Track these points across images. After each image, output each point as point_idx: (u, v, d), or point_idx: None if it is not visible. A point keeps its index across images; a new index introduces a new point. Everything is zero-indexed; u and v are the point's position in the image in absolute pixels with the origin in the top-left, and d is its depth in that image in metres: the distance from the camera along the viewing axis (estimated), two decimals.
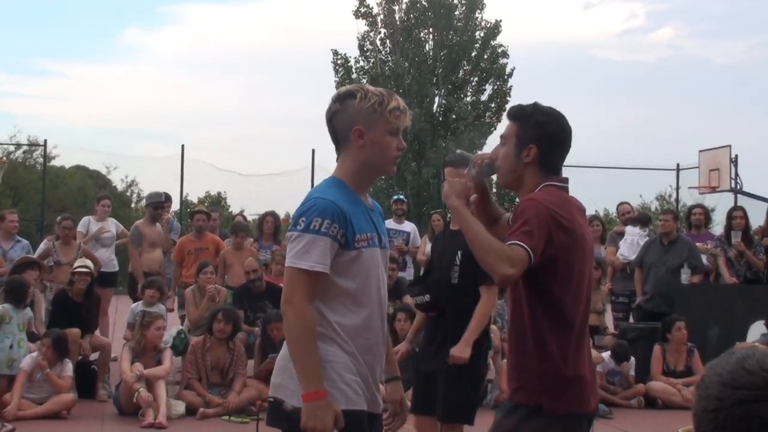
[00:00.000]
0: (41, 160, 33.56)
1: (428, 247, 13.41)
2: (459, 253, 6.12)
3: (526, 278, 3.75)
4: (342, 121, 3.83)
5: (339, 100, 3.85)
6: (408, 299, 12.00)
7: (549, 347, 3.78)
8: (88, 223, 13.78)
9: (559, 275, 3.79)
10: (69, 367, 10.30)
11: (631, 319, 13.26)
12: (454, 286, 6.19)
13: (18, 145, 40.47)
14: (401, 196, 15.19)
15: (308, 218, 3.68)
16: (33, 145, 38.69)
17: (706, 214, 14.19)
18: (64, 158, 39.00)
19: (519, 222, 3.71)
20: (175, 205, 25.07)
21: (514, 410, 3.83)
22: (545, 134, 3.94)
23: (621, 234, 14.03)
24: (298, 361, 3.64)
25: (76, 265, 11.57)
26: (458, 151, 5.15)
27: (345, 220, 3.71)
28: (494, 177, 4.36)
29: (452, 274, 6.20)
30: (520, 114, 4.03)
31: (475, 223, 3.81)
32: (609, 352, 11.64)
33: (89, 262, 11.72)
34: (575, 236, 3.81)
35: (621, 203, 15.45)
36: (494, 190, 21.61)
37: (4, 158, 34.22)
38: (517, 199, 4.26)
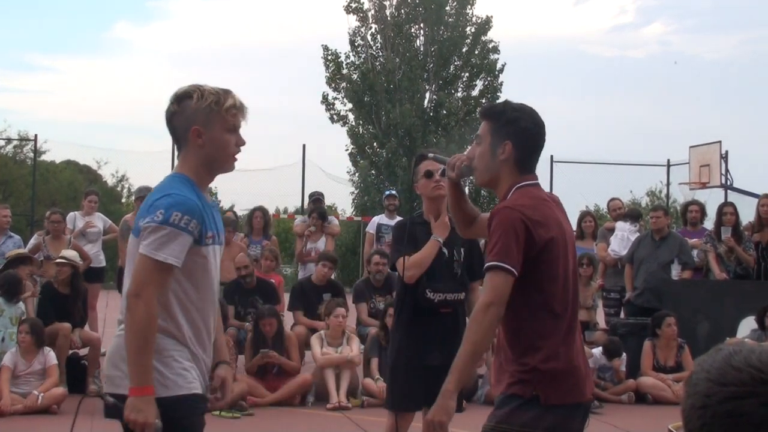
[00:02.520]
0: (31, 154, 33.55)
1: None
2: (462, 249, 6.22)
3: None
4: (180, 121, 3.90)
5: (176, 101, 3.92)
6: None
7: (542, 341, 3.82)
8: (74, 219, 13.76)
9: (545, 271, 3.84)
10: (52, 356, 10.28)
11: (621, 315, 13.27)
12: (456, 282, 6.21)
13: (8, 140, 40.49)
14: (393, 192, 15.20)
15: (168, 212, 3.71)
16: (23, 139, 38.63)
17: (702, 210, 14.20)
18: (55, 153, 39.04)
19: (495, 237, 3.78)
20: None
21: (508, 400, 3.85)
22: (518, 130, 3.98)
23: (612, 230, 14.03)
24: (135, 355, 3.69)
25: (58, 256, 11.60)
26: (431, 154, 5.12)
27: (201, 217, 3.80)
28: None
29: (456, 270, 6.21)
30: (492, 112, 4.10)
31: (458, 373, 3.83)
32: (600, 348, 11.65)
33: (71, 254, 11.72)
34: (551, 230, 3.86)
35: (612, 199, 15.44)
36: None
37: None
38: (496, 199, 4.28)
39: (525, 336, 3.84)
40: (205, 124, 3.84)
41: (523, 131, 3.99)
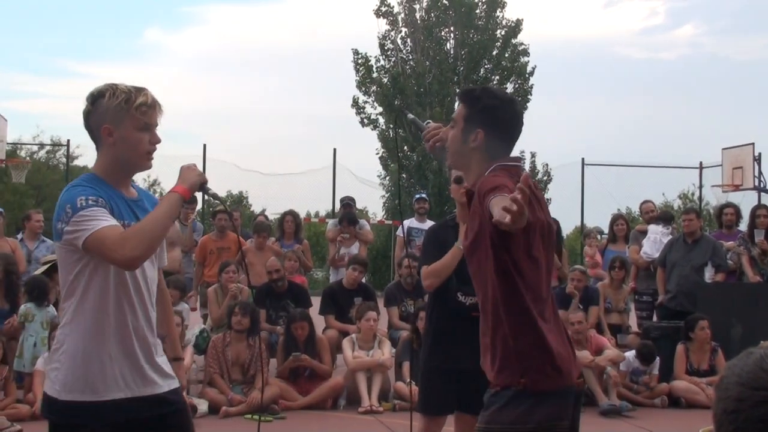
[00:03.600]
0: (64, 159, 33.80)
1: None
2: None
3: (493, 262, 3.69)
4: (94, 120, 3.89)
5: (91, 100, 3.90)
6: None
7: (526, 327, 3.70)
8: None
9: (522, 253, 3.69)
10: None
11: (654, 318, 13.21)
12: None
13: (41, 145, 40.77)
14: (423, 195, 15.17)
15: (72, 202, 3.69)
16: (56, 145, 38.96)
17: (738, 213, 14.07)
18: (87, 158, 39.25)
19: (486, 189, 3.61)
20: (197, 205, 25.21)
21: (496, 398, 3.75)
22: (492, 119, 3.87)
23: (644, 233, 13.96)
24: (163, 217, 3.76)
25: None
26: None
27: (105, 200, 3.76)
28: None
29: None
30: (469, 96, 4.00)
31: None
32: (633, 352, 11.60)
33: None
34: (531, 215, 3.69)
35: (644, 202, 15.37)
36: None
37: (28, 158, 34.38)
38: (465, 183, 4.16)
39: (509, 322, 3.72)
40: (114, 122, 3.83)
41: (497, 121, 3.89)
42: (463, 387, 5.93)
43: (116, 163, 3.90)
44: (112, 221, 3.69)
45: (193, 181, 3.87)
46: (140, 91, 3.89)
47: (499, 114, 3.89)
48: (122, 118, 3.83)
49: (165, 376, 3.99)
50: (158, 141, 3.93)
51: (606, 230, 15.22)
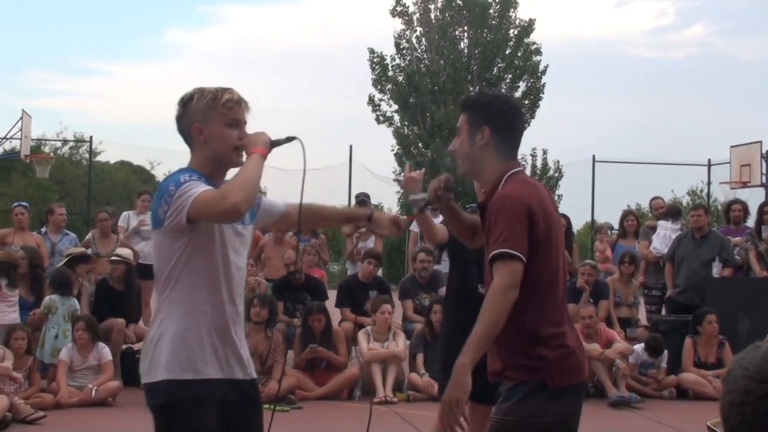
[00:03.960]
0: (87, 155, 33.94)
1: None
2: None
3: None
4: (185, 122, 3.96)
5: (182, 104, 3.98)
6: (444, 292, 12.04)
7: (545, 328, 3.77)
8: (128, 218, 13.89)
9: (544, 259, 3.78)
10: (107, 352, 10.41)
11: (663, 312, 13.19)
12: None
13: (65, 141, 40.90)
14: None
15: (176, 180, 3.75)
16: (79, 141, 39.06)
17: (745, 209, 14.04)
18: (109, 154, 39.36)
19: (500, 226, 3.70)
20: None
21: (513, 391, 3.79)
22: (493, 114, 3.95)
23: (654, 228, 13.95)
24: (253, 170, 3.79)
25: (113, 254, 11.78)
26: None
27: (206, 182, 3.81)
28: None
29: None
30: (468, 103, 4.09)
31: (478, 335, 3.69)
32: (642, 344, 11.59)
33: (126, 252, 11.87)
34: (548, 218, 3.81)
35: (654, 198, 15.36)
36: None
37: (52, 154, 34.44)
38: (476, 185, 4.25)
39: (528, 324, 3.76)
40: (204, 120, 3.90)
41: (498, 114, 3.96)
42: (476, 378, 5.90)
43: (208, 160, 3.94)
44: (209, 188, 3.75)
45: (264, 140, 3.91)
46: (226, 90, 3.95)
47: (498, 108, 3.97)
48: (211, 115, 3.90)
49: (249, 365, 4.07)
50: (246, 136, 3.95)
51: (616, 226, 15.19)
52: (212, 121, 3.89)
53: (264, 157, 3.87)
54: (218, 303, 3.87)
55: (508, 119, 3.99)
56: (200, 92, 3.93)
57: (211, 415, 3.83)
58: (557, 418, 3.75)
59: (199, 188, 3.70)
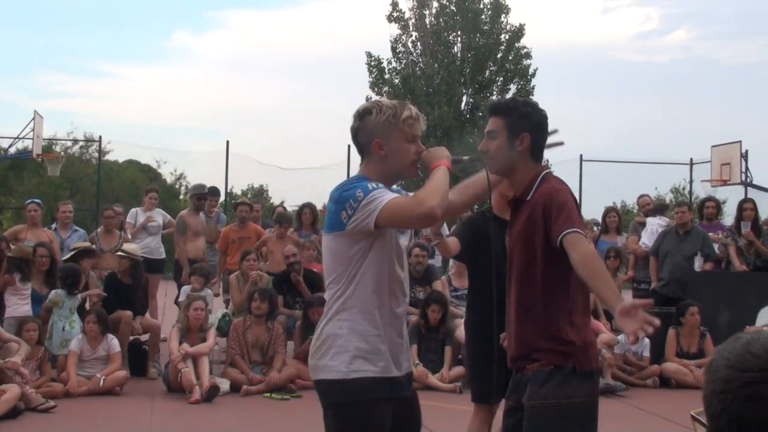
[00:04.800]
0: (96, 154, 33.88)
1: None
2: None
3: (547, 259, 3.95)
4: (363, 135, 3.91)
5: (359, 117, 3.93)
6: (438, 285, 12.04)
7: (575, 316, 4.03)
8: (135, 214, 13.91)
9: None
10: (115, 343, 10.41)
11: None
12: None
13: (75, 141, 40.87)
14: None
15: (364, 188, 3.73)
16: (89, 140, 39.01)
17: (718, 206, 14.15)
18: (118, 153, 39.43)
19: (565, 211, 3.89)
20: (220, 197, 25.25)
21: (549, 376, 3.97)
22: (533, 123, 4.12)
23: (643, 224, 14.02)
24: (443, 179, 3.80)
25: (119, 249, 11.82)
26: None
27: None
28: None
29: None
30: (505, 108, 4.20)
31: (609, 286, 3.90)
32: (624, 335, 11.61)
33: (132, 247, 11.90)
34: (579, 213, 4.07)
35: (641, 196, 15.49)
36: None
37: (63, 153, 34.38)
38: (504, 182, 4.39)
39: (560, 311, 3.99)
40: (385, 136, 3.86)
41: (538, 124, 4.14)
42: (508, 374, 5.78)
43: (387, 172, 3.93)
44: (398, 195, 3.78)
45: (447, 155, 3.93)
46: (404, 105, 3.94)
47: (537, 118, 4.14)
48: (391, 131, 3.86)
49: (410, 360, 4.07)
50: (422, 150, 3.94)
51: (599, 221, 15.23)
52: (393, 137, 3.87)
53: (449, 170, 3.88)
54: (394, 302, 3.89)
55: (544, 127, 4.18)
56: (378, 107, 3.90)
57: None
58: (585, 398, 3.97)
59: (389, 195, 3.71)
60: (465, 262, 6.82)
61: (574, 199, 4.04)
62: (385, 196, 3.68)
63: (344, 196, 3.74)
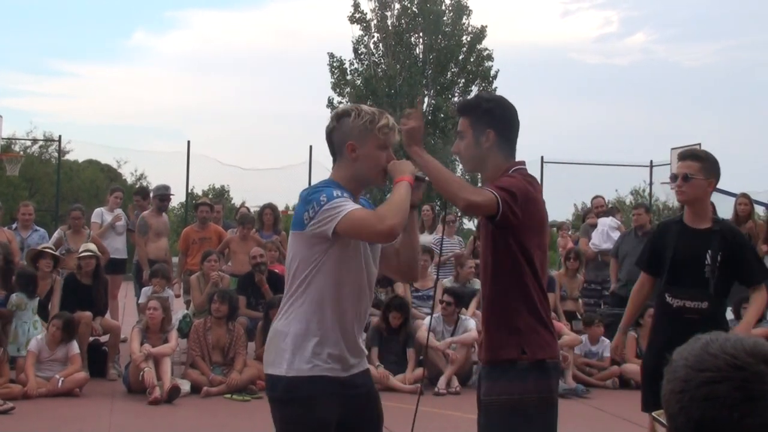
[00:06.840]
0: (56, 154, 33.49)
1: (430, 237, 13.46)
2: (719, 253, 5.65)
3: (506, 247, 3.92)
4: (338, 136, 3.97)
5: (336, 118, 4.01)
6: (399, 287, 12.02)
7: (528, 302, 3.94)
8: (101, 214, 13.83)
9: (534, 240, 3.95)
10: (75, 346, 10.34)
11: (601, 306, 13.35)
12: (701, 288, 5.75)
13: (34, 140, 40.44)
14: None
15: (328, 194, 3.76)
16: (48, 140, 38.66)
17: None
18: (78, 153, 39.01)
19: (497, 183, 3.91)
20: (181, 197, 25.12)
21: (498, 372, 3.95)
22: (496, 118, 4.09)
23: (594, 225, 14.14)
24: (404, 197, 3.83)
25: (80, 250, 11.65)
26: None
27: (351, 199, 3.85)
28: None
29: (706, 276, 5.71)
30: (468, 107, 4.24)
31: (435, 161, 3.99)
32: (586, 335, 11.70)
33: (92, 246, 11.79)
34: (540, 206, 4.02)
35: (595, 197, 15.58)
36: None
37: (21, 153, 34.06)
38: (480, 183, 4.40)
39: (513, 297, 3.94)
40: (359, 139, 3.92)
41: (500, 118, 4.11)
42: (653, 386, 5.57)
43: (354, 176, 3.96)
44: (360, 207, 3.79)
45: (412, 170, 3.94)
46: (382, 113, 3.99)
47: (500, 112, 4.13)
48: (366, 136, 3.92)
49: (363, 359, 4.09)
50: (392, 159, 3.99)
51: (571, 224, 15.36)
52: (367, 142, 3.92)
53: (411, 186, 3.90)
54: (349, 301, 3.91)
55: (509, 120, 4.15)
56: (357, 111, 3.96)
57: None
58: (541, 393, 3.91)
59: (351, 206, 3.73)
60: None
61: (525, 185, 3.96)
62: (347, 206, 3.71)
63: (309, 198, 3.79)
